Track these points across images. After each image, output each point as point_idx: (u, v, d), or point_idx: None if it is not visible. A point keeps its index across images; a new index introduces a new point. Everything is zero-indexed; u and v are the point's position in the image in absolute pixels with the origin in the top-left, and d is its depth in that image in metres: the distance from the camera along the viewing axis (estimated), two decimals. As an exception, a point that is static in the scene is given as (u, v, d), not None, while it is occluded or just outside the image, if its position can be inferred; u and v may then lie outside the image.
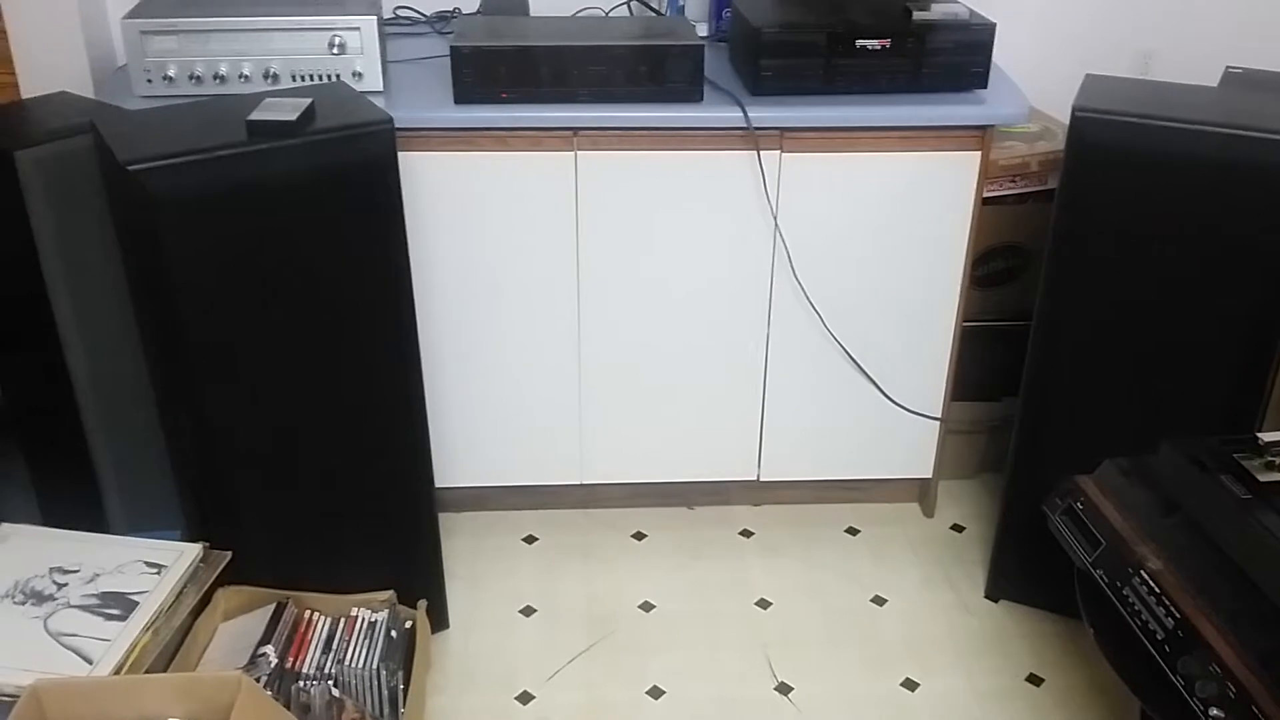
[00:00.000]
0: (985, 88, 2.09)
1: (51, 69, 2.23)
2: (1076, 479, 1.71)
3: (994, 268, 2.38)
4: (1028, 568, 2.14)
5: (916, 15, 2.05)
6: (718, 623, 2.17)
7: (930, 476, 2.42)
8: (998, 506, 2.17)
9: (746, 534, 2.42)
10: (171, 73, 1.99)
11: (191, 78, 2.00)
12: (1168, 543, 1.54)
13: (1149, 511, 1.60)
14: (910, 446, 2.37)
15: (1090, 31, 2.59)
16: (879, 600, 2.24)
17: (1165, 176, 1.76)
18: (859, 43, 2.02)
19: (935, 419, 2.33)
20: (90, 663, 1.45)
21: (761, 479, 2.39)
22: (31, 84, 2.25)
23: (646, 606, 2.21)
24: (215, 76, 2.00)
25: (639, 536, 2.41)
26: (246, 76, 2.01)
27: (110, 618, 1.52)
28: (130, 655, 1.48)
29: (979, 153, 2.09)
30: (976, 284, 2.34)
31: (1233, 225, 1.75)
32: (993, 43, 2.05)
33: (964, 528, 2.45)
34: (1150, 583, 1.50)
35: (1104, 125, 1.77)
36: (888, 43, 2.03)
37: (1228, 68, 2.23)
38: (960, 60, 2.06)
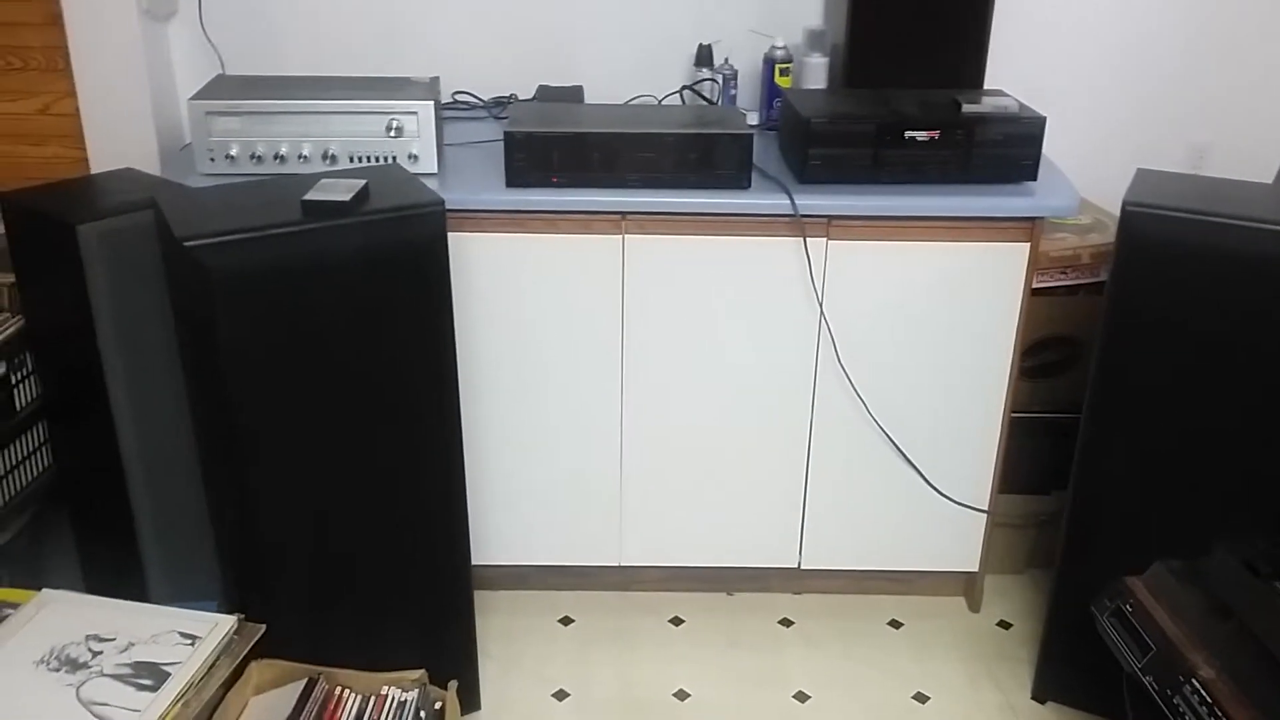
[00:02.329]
0: (1035, 180, 2.09)
1: (121, 146, 2.31)
2: (1126, 580, 1.67)
3: (1045, 359, 2.35)
4: (1077, 669, 2.07)
5: (966, 108, 2.06)
6: (754, 715, 2.12)
7: (976, 570, 2.37)
8: (1046, 604, 2.11)
9: (786, 623, 2.38)
10: (234, 152, 2.06)
11: (253, 157, 2.06)
12: (1220, 650, 1.48)
13: (1201, 616, 1.55)
14: (956, 539, 2.32)
15: (1143, 125, 2.58)
16: (921, 698, 2.18)
17: (1217, 272, 1.74)
18: (908, 134, 2.04)
19: (982, 511, 2.29)
20: (120, 733, 1.45)
21: (803, 567, 2.36)
22: (101, 160, 2.33)
23: (681, 695, 2.17)
24: (276, 156, 2.06)
25: (676, 622, 2.37)
26: (306, 157, 2.07)
27: (142, 688, 1.52)
28: (160, 727, 1.47)
29: (1028, 244, 2.08)
30: (1027, 375, 2.32)
31: (1287, 323, 1.72)
32: (1043, 136, 2.05)
33: (1011, 624, 2.38)
34: (1202, 692, 1.45)
35: (1154, 220, 1.76)
36: (937, 134, 2.04)
37: (1283, 164, 2.22)
38: (1010, 153, 2.06)
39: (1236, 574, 1.53)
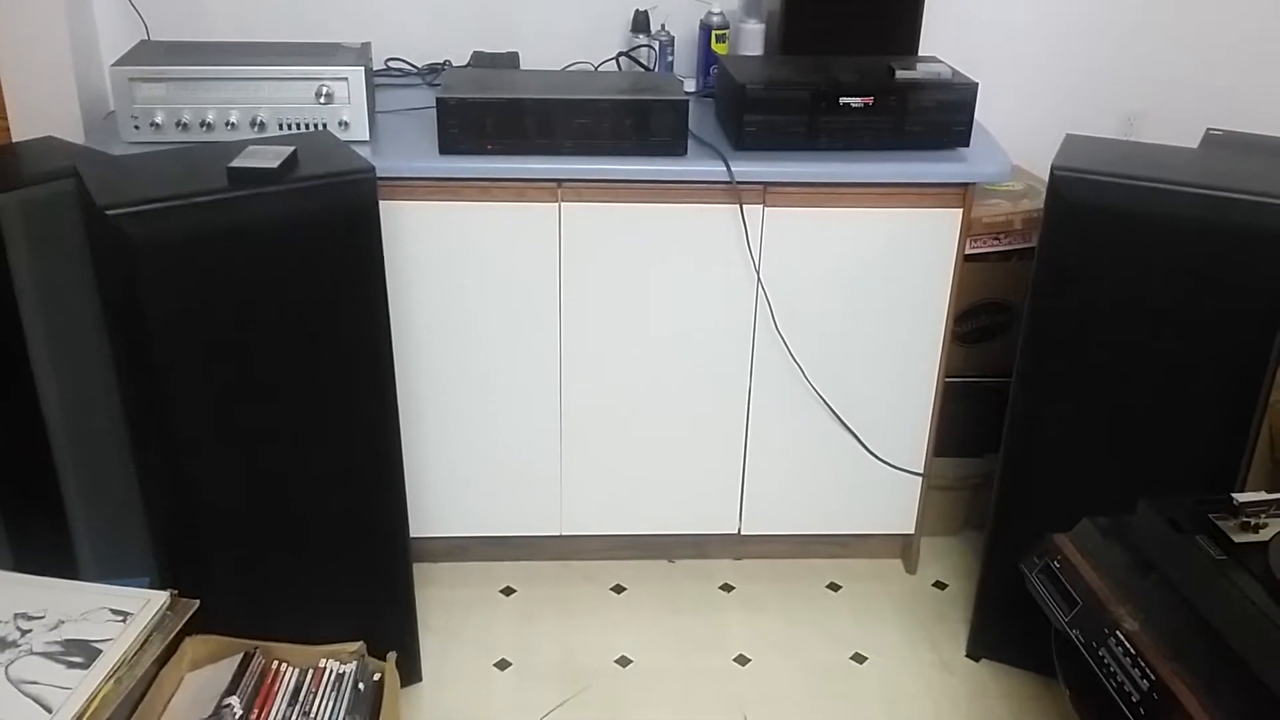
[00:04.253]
0: (967, 146, 2.11)
1: (43, 114, 2.24)
2: (1054, 538, 1.70)
3: (978, 324, 2.38)
4: (1009, 627, 2.12)
5: (900, 74, 2.07)
6: (696, 679, 2.14)
7: (912, 532, 2.41)
8: (979, 564, 2.15)
9: (727, 588, 2.40)
10: (159, 119, 2.01)
11: (179, 125, 2.01)
12: (1143, 603, 1.52)
13: (1125, 572, 1.58)
14: (892, 502, 2.35)
15: (1075, 92, 2.62)
16: (859, 658, 2.21)
17: (1144, 235, 1.77)
18: (842, 100, 2.04)
19: (917, 474, 2.32)
20: (50, 711, 1.42)
21: (742, 532, 2.38)
22: (22, 129, 2.26)
23: (624, 661, 2.19)
24: (202, 124, 2.02)
25: (618, 589, 2.38)
26: (233, 124, 2.02)
27: (72, 665, 1.50)
28: (91, 704, 1.45)
29: (960, 210, 2.10)
30: (961, 340, 2.35)
31: (1211, 284, 1.76)
32: (975, 102, 2.07)
33: (946, 585, 2.43)
34: (1126, 644, 1.48)
35: (1082, 184, 1.78)
36: (871, 100, 2.05)
37: (1208, 129, 2.26)
38: (943, 119, 2.08)
39: (1159, 530, 1.57)
